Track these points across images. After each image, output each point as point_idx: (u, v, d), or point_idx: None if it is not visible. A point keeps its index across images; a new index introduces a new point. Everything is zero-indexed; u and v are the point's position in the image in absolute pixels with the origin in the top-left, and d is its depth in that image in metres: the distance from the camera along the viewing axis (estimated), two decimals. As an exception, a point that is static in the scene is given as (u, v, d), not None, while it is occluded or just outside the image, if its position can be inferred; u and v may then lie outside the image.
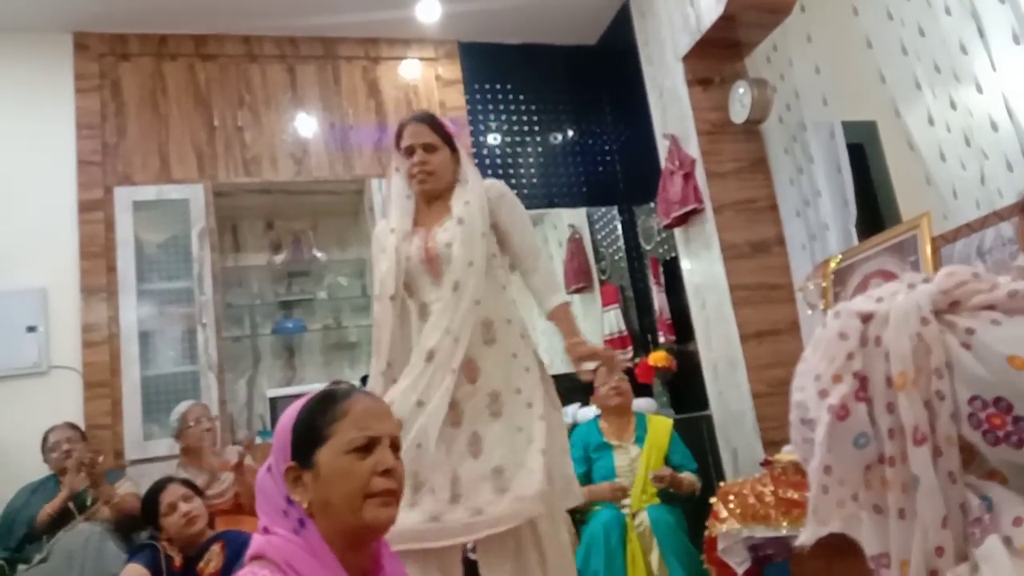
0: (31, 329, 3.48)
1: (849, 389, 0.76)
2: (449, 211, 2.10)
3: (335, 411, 1.20)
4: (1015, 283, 0.73)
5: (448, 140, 2.16)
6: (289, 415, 1.24)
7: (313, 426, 1.20)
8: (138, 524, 2.97)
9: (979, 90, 2.55)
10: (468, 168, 2.18)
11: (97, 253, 3.62)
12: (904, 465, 0.73)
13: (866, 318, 0.77)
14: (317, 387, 1.30)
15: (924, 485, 0.71)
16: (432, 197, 2.15)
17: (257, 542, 1.15)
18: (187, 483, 2.63)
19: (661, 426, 3.25)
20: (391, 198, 2.18)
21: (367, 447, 1.18)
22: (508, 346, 2.04)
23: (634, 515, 2.97)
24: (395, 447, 1.23)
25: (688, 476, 3.11)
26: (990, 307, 0.73)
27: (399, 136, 2.15)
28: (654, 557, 2.86)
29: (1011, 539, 0.66)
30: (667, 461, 3.14)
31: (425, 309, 2.05)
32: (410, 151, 2.11)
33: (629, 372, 3.50)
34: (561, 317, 2.15)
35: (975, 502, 0.70)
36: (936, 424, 0.71)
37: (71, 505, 2.92)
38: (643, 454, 3.12)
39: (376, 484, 1.17)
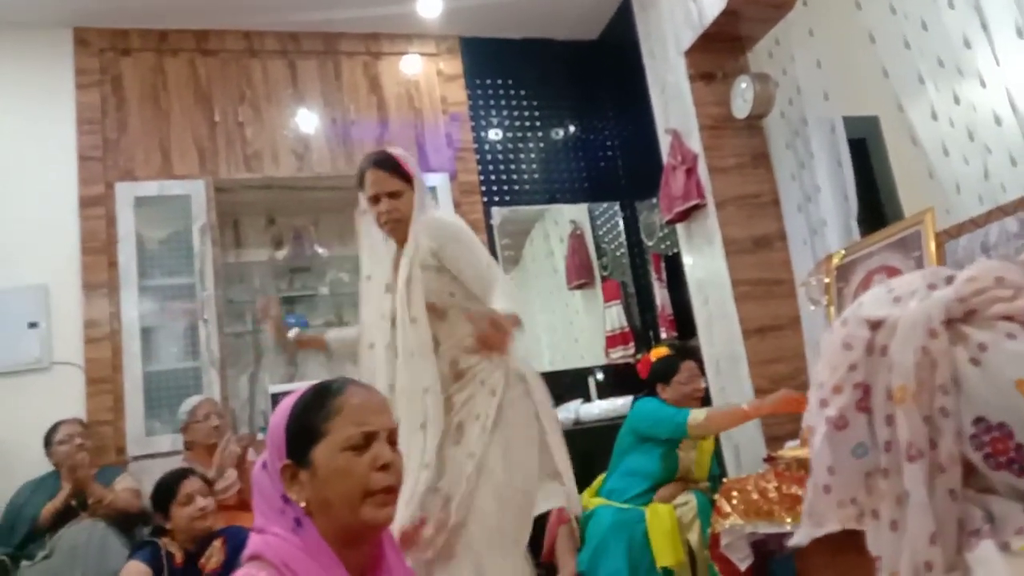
0: (33, 325, 3.47)
1: (848, 400, 0.74)
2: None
3: (330, 407, 1.17)
4: None
5: (409, 180, 2.12)
6: (282, 411, 1.20)
7: (308, 423, 1.17)
8: (138, 519, 2.97)
9: (982, 84, 2.53)
10: (422, 201, 2.13)
11: (98, 249, 3.61)
12: (899, 478, 0.71)
13: (875, 325, 0.74)
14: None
15: (914, 501, 0.68)
16: (402, 240, 2.13)
17: (254, 542, 1.13)
18: (203, 479, 2.64)
19: None
20: (364, 242, 2.16)
21: (364, 442, 1.16)
22: (476, 374, 2.05)
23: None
24: (392, 441, 1.20)
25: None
26: (1009, 318, 0.68)
27: (361, 181, 2.14)
28: (693, 538, 2.79)
29: (1009, 544, 0.64)
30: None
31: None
32: (375, 200, 2.09)
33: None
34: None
35: (978, 514, 0.68)
36: (939, 441, 0.69)
37: (73, 501, 2.92)
38: (697, 459, 3.02)
39: (375, 481, 1.14)
